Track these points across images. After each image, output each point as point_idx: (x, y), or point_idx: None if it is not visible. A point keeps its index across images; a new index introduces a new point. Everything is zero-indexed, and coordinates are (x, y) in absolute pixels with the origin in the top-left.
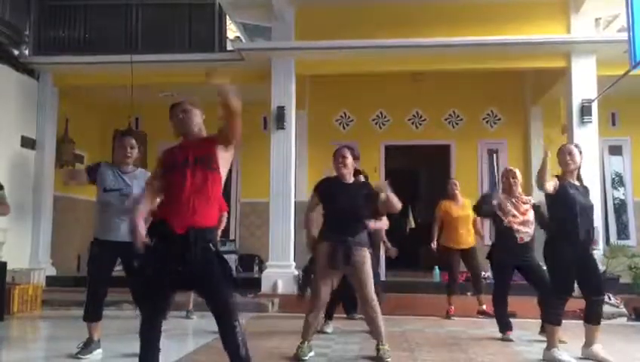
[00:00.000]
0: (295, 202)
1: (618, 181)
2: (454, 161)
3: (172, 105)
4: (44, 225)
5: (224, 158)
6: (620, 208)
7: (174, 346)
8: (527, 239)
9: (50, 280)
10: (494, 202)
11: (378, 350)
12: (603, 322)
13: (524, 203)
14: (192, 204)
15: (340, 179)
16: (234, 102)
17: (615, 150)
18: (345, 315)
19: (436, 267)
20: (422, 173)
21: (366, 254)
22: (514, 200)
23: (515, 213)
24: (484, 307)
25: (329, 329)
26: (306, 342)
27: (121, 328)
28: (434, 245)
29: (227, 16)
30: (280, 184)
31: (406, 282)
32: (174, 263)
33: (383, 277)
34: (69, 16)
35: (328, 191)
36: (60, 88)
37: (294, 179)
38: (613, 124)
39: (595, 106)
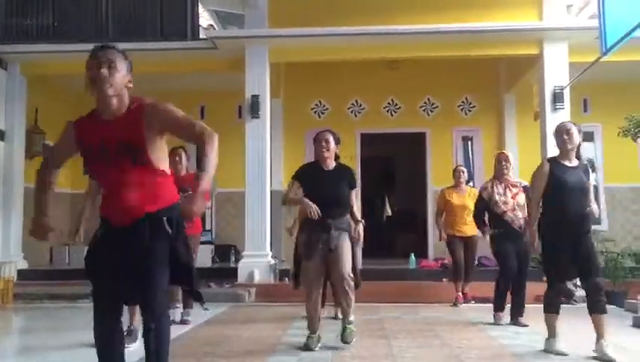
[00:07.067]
0: (271, 191)
1: (590, 167)
2: (430, 149)
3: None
4: (15, 218)
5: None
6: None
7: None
8: (521, 223)
9: (22, 274)
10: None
11: (344, 329)
12: (576, 306)
13: (512, 186)
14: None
15: (321, 163)
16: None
17: (587, 136)
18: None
19: (412, 254)
20: (397, 161)
21: (346, 238)
22: (503, 186)
23: (505, 199)
24: (464, 292)
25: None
26: (316, 334)
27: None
28: (443, 235)
29: (200, 4)
30: (255, 173)
31: (382, 270)
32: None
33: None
34: (37, 4)
35: (310, 177)
36: (29, 78)
37: (270, 168)
38: (585, 110)
39: (567, 93)
